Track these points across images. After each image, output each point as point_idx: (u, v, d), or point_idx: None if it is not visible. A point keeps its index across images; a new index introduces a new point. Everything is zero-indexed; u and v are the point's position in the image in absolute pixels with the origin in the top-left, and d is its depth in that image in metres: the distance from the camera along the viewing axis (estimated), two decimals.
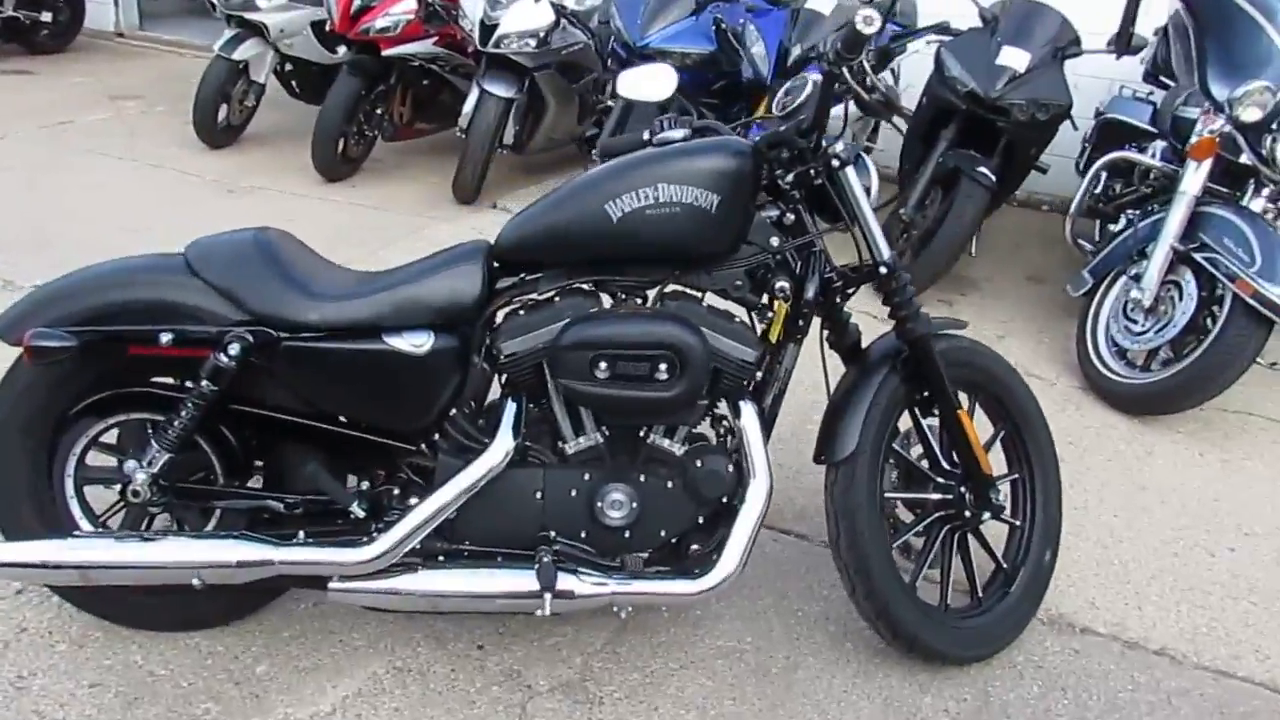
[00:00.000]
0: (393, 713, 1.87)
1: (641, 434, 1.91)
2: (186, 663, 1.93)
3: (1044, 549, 2.18)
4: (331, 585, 1.79)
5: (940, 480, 2.09)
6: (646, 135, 2.11)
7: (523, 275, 1.89)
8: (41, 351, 1.67)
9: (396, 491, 1.88)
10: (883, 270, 1.91)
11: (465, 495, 1.79)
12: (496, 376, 1.90)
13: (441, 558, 1.85)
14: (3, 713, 1.78)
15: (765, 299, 1.94)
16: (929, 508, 2.10)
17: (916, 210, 3.94)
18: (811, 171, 1.88)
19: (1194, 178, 3.18)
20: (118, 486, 1.89)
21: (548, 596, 1.74)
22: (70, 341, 1.68)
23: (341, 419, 1.86)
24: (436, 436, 1.89)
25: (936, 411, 2.04)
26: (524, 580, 1.80)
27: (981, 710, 1.99)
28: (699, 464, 1.88)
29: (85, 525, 1.89)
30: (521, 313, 1.86)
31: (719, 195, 1.79)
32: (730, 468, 1.88)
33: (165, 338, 1.72)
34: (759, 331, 1.93)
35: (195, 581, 1.74)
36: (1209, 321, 3.11)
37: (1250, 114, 3.02)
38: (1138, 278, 3.27)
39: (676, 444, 1.91)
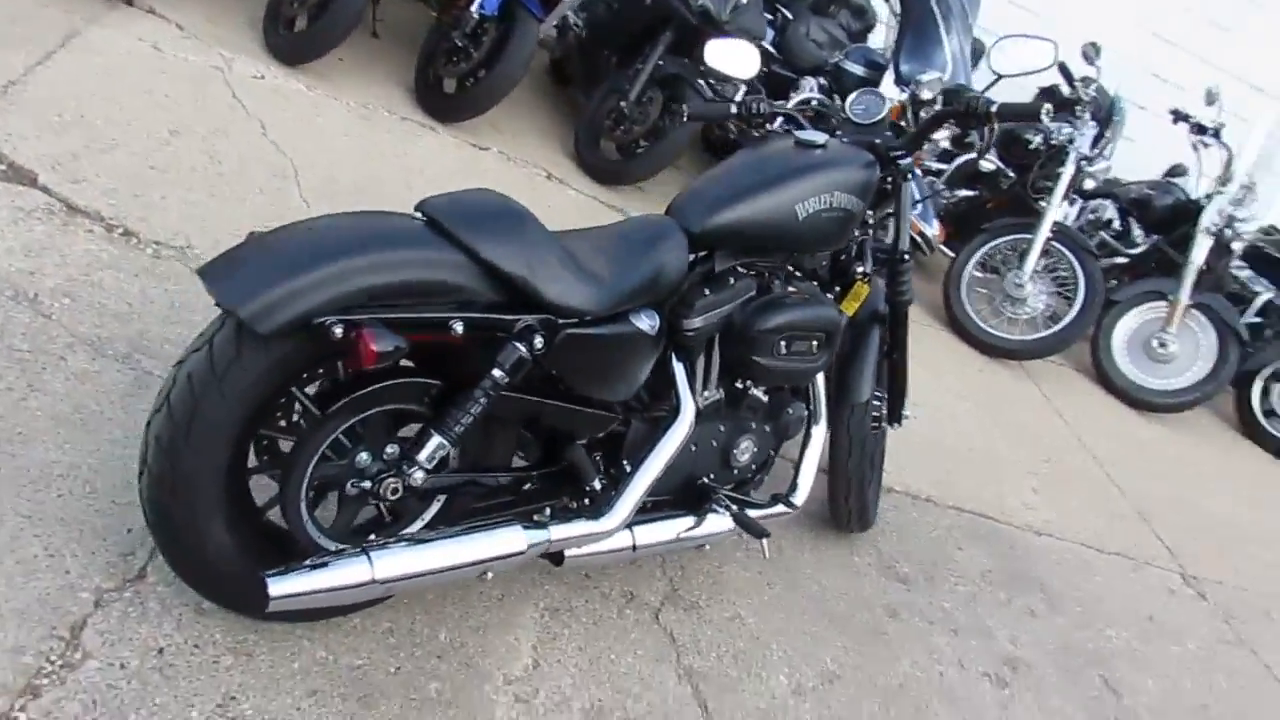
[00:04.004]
0: (578, 651, 2.04)
1: (740, 386, 2.26)
2: (373, 647, 1.82)
3: (883, 439, 3.06)
4: (571, 552, 1.88)
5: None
6: (734, 109, 2.34)
7: (696, 254, 2.05)
8: (381, 356, 1.44)
9: (598, 457, 1.98)
10: (905, 258, 2.49)
11: (675, 454, 1.99)
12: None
13: None
14: None
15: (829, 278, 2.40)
16: None
17: (635, 106, 4.40)
18: (888, 179, 2.35)
19: None
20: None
21: (764, 542, 2.08)
22: (404, 344, 1.47)
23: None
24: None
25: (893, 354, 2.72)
26: (686, 522, 2.10)
27: (882, 558, 2.85)
28: (789, 411, 2.32)
29: (319, 538, 1.63)
30: (708, 292, 2.03)
31: (865, 203, 2.19)
32: (805, 412, 2.36)
33: (458, 327, 1.58)
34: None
35: (488, 576, 1.70)
36: None
37: (925, 94, 4.08)
38: None
39: (760, 393, 2.31)
